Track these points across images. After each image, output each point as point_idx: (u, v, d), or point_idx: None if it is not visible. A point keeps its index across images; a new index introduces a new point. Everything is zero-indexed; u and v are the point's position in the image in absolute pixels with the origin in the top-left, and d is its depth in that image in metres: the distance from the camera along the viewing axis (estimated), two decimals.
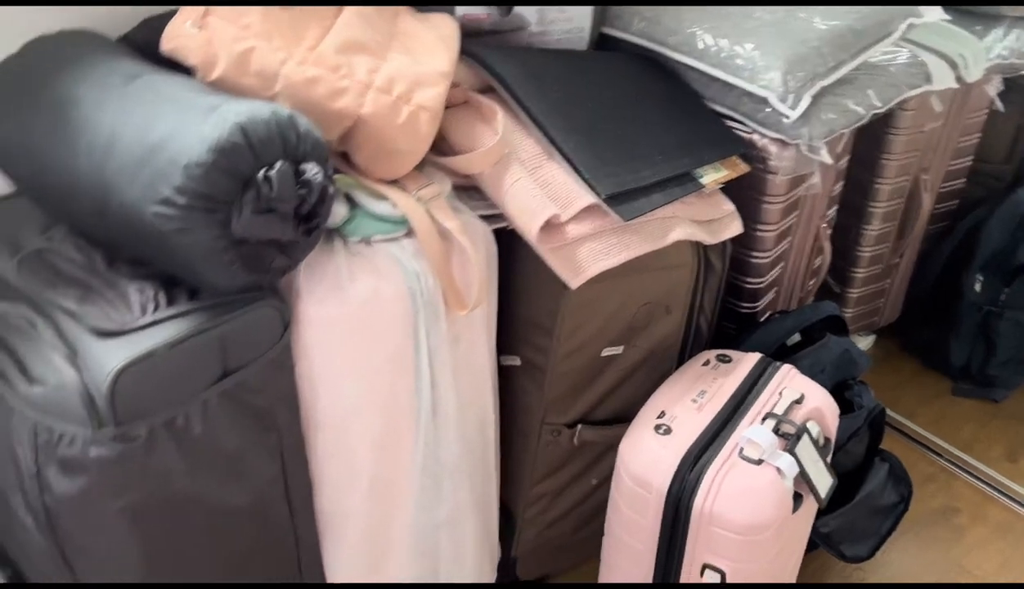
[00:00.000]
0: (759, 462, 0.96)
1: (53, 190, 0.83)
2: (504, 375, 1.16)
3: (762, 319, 1.39)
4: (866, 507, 1.28)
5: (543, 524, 1.26)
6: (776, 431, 0.99)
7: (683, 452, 0.98)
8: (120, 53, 0.88)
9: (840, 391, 1.27)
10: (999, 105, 1.56)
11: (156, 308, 0.81)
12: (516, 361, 1.16)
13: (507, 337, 1.14)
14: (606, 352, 1.14)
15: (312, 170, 0.77)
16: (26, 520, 0.85)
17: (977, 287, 1.68)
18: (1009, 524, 1.48)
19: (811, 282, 1.53)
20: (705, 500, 0.94)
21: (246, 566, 0.94)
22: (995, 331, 1.69)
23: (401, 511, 1.03)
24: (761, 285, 1.35)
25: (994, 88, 1.56)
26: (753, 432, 0.97)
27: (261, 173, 0.75)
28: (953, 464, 1.59)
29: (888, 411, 1.69)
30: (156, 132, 0.75)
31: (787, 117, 1.13)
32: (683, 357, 1.23)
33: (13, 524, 0.88)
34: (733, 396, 1.05)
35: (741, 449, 0.97)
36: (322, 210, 0.80)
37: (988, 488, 1.54)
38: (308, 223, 0.80)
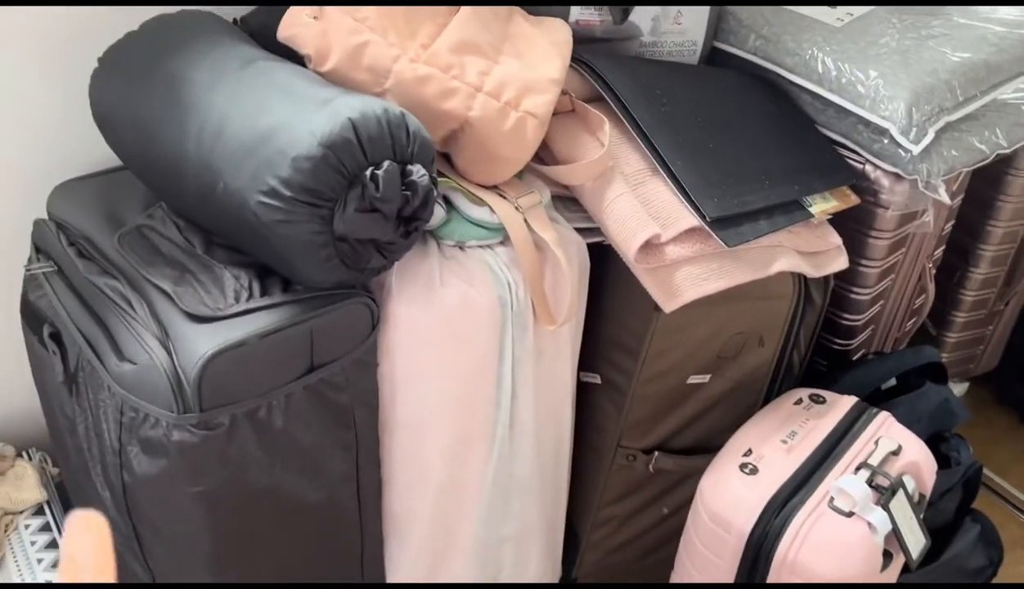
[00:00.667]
0: (850, 514, 0.91)
1: (159, 169, 0.83)
2: (582, 392, 1.13)
3: (856, 358, 1.32)
4: (952, 568, 1.21)
5: (608, 549, 1.23)
6: (870, 483, 0.94)
7: (769, 495, 0.93)
8: (236, 37, 0.88)
9: (935, 442, 1.20)
10: None
11: (250, 296, 0.80)
12: (596, 379, 1.13)
13: (589, 353, 1.11)
14: (692, 380, 1.09)
15: (418, 172, 0.75)
16: (104, 494, 0.85)
17: None
18: None
19: (910, 323, 1.45)
20: (789, 549, 0.90)
21: (311, 557, 0.93)
22: None
23: (467, 521, 1.01)
24: (858, 322, 1.29)
25: None
26: (846, 482, 0.92)
27: (368, 172, 0.73)
28: None
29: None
30: (267, 120, 0.75)
31: (909, 151, 1.07)
32: (771, 392, 1.18)
33: (91, 495, 0.89)
34: (826, 440, 1.00)
35: (832, 498, 0.92)
36: (424, 213, 0.78)
37: None
38: (408, 225, 0.79)
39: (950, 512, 1.22)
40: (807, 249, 1.08)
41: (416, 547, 1.02)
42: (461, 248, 0.91)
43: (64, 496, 1.07)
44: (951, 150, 1.12)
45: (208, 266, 0.84)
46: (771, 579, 0.92)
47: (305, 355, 0.81)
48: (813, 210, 1.08)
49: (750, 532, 0.92)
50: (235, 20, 0.99)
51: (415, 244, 0.88)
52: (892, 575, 0.97)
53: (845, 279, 1.23)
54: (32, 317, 0.92)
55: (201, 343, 0.76)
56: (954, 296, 1.56)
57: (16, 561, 0.97)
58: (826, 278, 1.13)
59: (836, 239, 1.11)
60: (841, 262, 1.10)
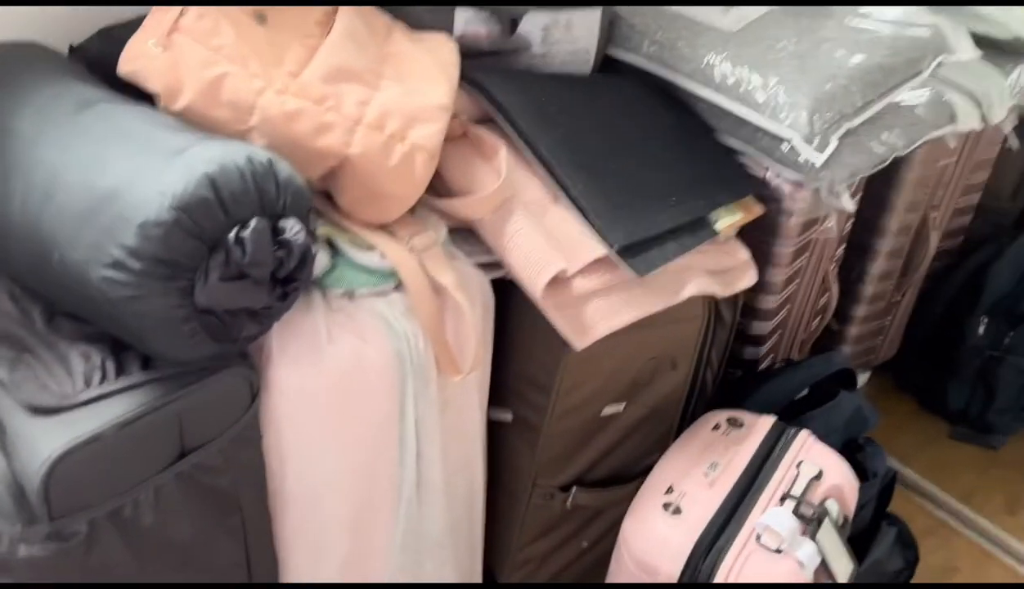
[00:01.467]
0: (778, 551, 0.87)
1: None
2: (493, 430, 1.06)
3: (765, 366, 1.30)
4: (873, 574, 1.20)
5: None
6: (795, 512, 0.90)
7: (696, 536, 0.88)
8: (71, 73, 0.76)
9: (850, 450, 1.18)
10: (1014, 142, 1.48)
11: (103, 379, 0.69)
12: (508, 416, 1.06)
13: (498, 390, 1.04)
14: (607, 410, 1.04)
15: (293, 228, 0.66)
16: None
17: (980, 330, 1.62)
18: (1011, 582, 1.41)
19: (815, 321, 1.45)
20: None
21: None
22: (996, 376, 1.62)
23: None
24: (766, 329, 1.27)
25: (1009, 123, 1.48)
26: (772, 517, 0.88)
27: (232, 234, 0.63)
28: (953, 515, 1.52)
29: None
30: (107, 178, 0.64)
31: (813, 162, 1.04)
32: (686, 413, 1.14)
33: None
34: (747, 469, 0.96)
35: (759, 535, 0.88)
36: (302, 274, 0.69)
37: (988, 544, 1.47)
38: (286, 286, 0.69)
39: (866, 519, 1.21)
40: (716, 267, 1.03)
41: None
42: (350, 297, 0.82)
43: None
44: (852, 156, 1.09)
45: (51, 343, 0.72)
46: None
47: (174, 440, 0.71)
48: (719, 226, 1.04)
49: (679, 576, 0.87)
50: (71, 47, 0.86)
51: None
52: None
53: (752, 288, 1.20)
54: None
55: (45, 442, 0.64)
56: (854, 291, 1.56)
57: None
58: (735, 295, 1.09)
59: (744, 254, 1.07)
60: (750, 277, 1.07)
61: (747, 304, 1.22)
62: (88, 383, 0.68)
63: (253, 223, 0.64)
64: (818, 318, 1.45)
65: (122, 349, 0.72)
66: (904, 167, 1.41)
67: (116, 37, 0.80)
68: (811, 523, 0.90)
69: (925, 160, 1.42)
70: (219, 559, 0.78)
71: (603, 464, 1.09)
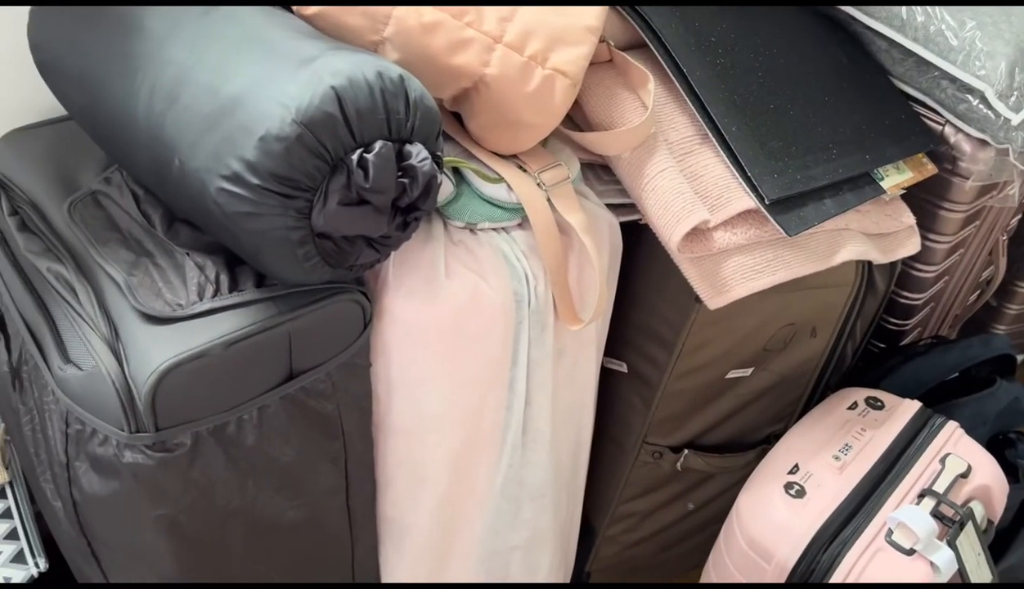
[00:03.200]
0: (911, 552, 0.79)
1: (108, 132, 0.69)
2: (605, 379, 1.01)
3: (909, 341, 1.18)
4: (1008, 579, 1.10)
5: (626, 544, 1.12)
6: (935, 514, 0.81)
7: (819, 524, 0.81)
8: None
9: (998, 446, 1.07)
10: None
11: (216, 292, 0.67)
12: (622, 367, 1.00)
13: (615, 337, 0.98)
14: (732, 374, 0.96)
15: (419, 154, 0.61)
16: (55, 503, 0.74)
17: None
18: None
19: (973, 297, 1.31)
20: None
21: (295, 572, 0.83)
22: None
23: (471, 529, 0.90)
24: (919, 301, 1.14)
25: None
26: (907, 514, 0.80)
27: (356, 155, 0.59)
28: None
29: None
30: (233, 84, 0.60)
31: (1007, 119, 0.90)
32: (819, 384, 1.05)
33: (43, 498, 0.78)
34: (884, 456, 0.88)
35: (890, 531, 0.80)
36: (426, 204, 0.64)
37: None
38: (407, 215, 0.65)
39: (1007, 520, 1.10)
40: (875, 231, 0.93)
41: (414, 554, 0.91)
42: (472, 231, 0.77)
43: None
44: None
45: (169, 251, 0.70)
46: None
47: (283, 362, 0.68)
48: (885, 184, 0.93)
49: (794, 566, 0.81)
50: None
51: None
52: None
53: (910, 257, 1.08)
54: None
55: (156, 351, 0.63)
56: (1021, 265, 1.40)
57: None
58: (894, 263, 0.98)
59: (909, 218, 0.95)
60: (913, 245, 0.95)
61: (902, 271, 1.10)
62: (201, 295, 0.67)
63: (378, 147, 0.59)
64: (977, 293, 1.31)
65: (237, 263, 0.69)
66: None
67: None
68: (952, 525, 0.81)
69: None
70: (319, 483, 0.77)
71: (720, 429, 1.02)
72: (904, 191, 0.96)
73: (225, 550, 0.74)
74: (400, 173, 0.61)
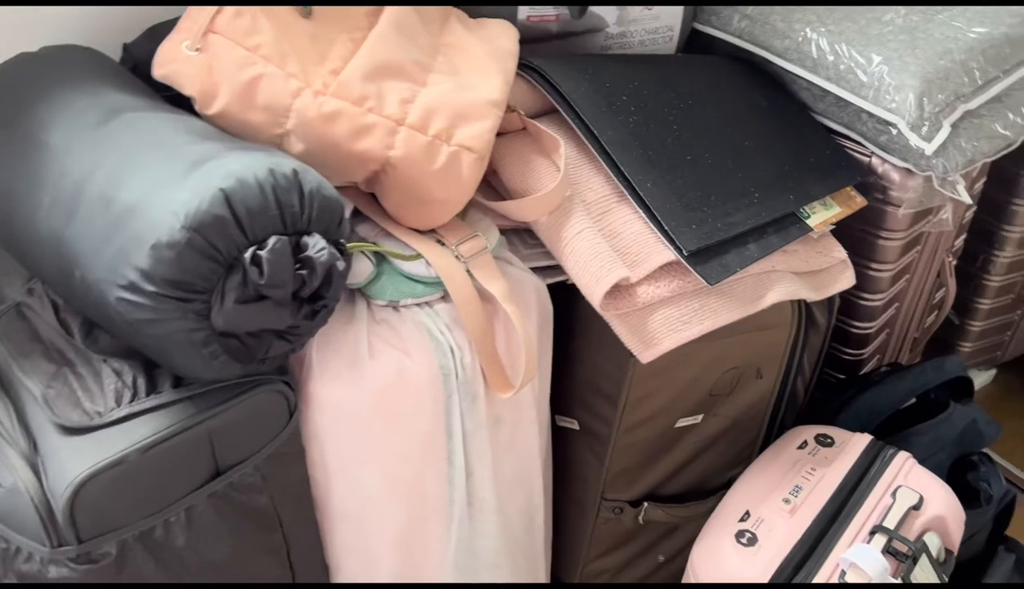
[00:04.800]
0: None
1: (19, 247, 0.70)
2: (560, 437, 1.01)
3: (869, 369, 1.18)
4: None
5: None
6: (888, 550, 0.80)
7: (771, 571, 0.80)
8: (111, 78, 0.74)
9: (961, 469, 1.06)
10: None
11: (134, 396, 0.67)
12: (574, 425, 1.00)
13: (564, 396, 0.98)
14: (681, 422, 0.96)
15: (316, 246, 0.61)
16: None
17: None
18: None
19: (930, 317, 1.31)
20: None
21: None
22: None
23: None
24: (871, 330, 1.15)
25: None
26: (859, 554, 0.79)
27: (249, 253, 0.59)
28: None
29: (1004, 461, 1.46)
30: (126, 193, 0.61)
31: (920, 150, 0.92)
32: (774, 423, 1.04)
33: None
34: (835, 495, 0.87)
35: (843, 572, 0.79)
36: (329, 292, 0.64)
37: None
38: (313, 304, 0.65)
39: (980, 543, 1.09)
40: (806, 269, 0.93)
41: None
42: (395, 308, 0.77)
43: None
44: (971, 140, 0.96)
45: (88, 359, 0.70)
46: None
47: (207, 460, 0.68)
48: (812, 222, 0.94)
49: None
50: (124, 46, 0.85)
51: (337, 308, 0.75)
52: None
53: (855, 286, 1.09)
54: None
55: (73, 462, 0.63)
56: (978, 282, 1.41)
57: None
58: (832, 297, 0.98)
59: (840, 253, 0.96)
60: (847, 279, 0.96)
61: (850, 302, 1.11)
62: (119, 401, 0.67)
63: (272, 242, 0.60)
64: (933, 314, 1.31)
65: (155, 366, 0.70)
66: None
67: (164, 35, 0.77)
68: (906, 560, 0.80)
69: None
70: (262, 578, 0.76)
71: (679, 478, 1.01)
72: (834, 226, 0.96)
73: None
74: (298, 265, 0.62)
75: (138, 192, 0.60)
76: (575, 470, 1.01)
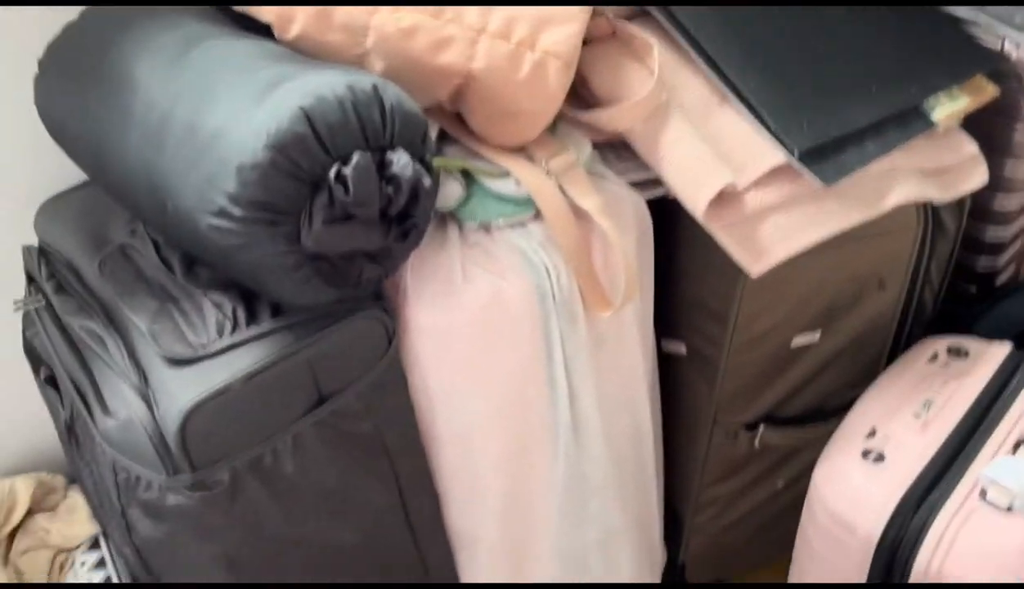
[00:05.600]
0: (1008, 509, 0.72)
1: (115, 185, 0.71)
2: (668, 363, 0.97)
3: (1005, 280, 1.09)
4: None
5: (716, 530, 1.07)
6: None
7: (903, 491, 0.75)
8: (186, 10, 0.73)
9: None
10: None
11: (235, 327, 0.68)
12: (682, 349, 0.96)
13: (670, 318, 0.94)
14: (797, 341, 0.91)
15: (400, 161, 0.59)
16: (124, 550, 0.77)
17: None
18: None
19: None
20: (933, 557, 0.72)
21: None
22: None
23: (540, 532, 0.88)
24: (1007, 235, 1.05)
25: None
26: (1000, 468, 0.73)
27: (334, 171, 0.58)
28: None
29: None
30: (211, 120, 0.61)
31: None
32: (900, 337, 0.97)
33: (118, 546, 0.81)
34: (972, 408, 0.80)
35: (983, 490, 0.73)
36: (417, 210, 0.63)
37: None
38: (403, 224, 0.63)
39: None
40: (932, 166, 0.85)
41: (488, 564, 0.90)
42: (487, 230, 0.75)
43: None
44: None
45: (190, 293, 0.71)
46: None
47: (309, 388, 0.68)
48: (936, 116, 0.85)
49: (880, 537, 0.75)
50: None
51: (430, 230, 0.73)
52: None
53: (989, 185, 0.99)
54: (32, 356, 0.84)
55: (181, 393, 0.64)
56: None
57: None
58: (961, 199, 0.90)
59: (970, 147, 0.87)
60: (979, 177, 0.88)
61: (982, 206, 1.01)
62: (220, 333, 0.67)
63: (355, 158, 0.58)
64: None
65: (254, 296, 0.70)
66: None
67: None
68: None
69: None
70: (371, 503, 0.77)
71: (796, 399, 0.96)
72: (962, 119, 0.88)
73: (288, 577, 0.75)
74: (384, 182, 0.60)
75: (221, 117, 0.60)
76: (685, 396, 0.98)
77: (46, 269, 0.80)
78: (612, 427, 0.84)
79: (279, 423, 0.68)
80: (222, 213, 0.58)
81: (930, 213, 0.88)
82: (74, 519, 0.99)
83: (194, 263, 0.74)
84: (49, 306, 0.80)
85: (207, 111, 0.61)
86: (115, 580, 0.94)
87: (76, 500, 1.00)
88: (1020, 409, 0.79)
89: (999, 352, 0.86)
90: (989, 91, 0.90)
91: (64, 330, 0.77)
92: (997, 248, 1.06)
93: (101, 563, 0.97)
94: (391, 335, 0.72)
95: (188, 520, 0.67)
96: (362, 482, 0.75)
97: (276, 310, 0.69)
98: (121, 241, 0.79)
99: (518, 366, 0.76)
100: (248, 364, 0.65)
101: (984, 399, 0.81)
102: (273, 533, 0.71)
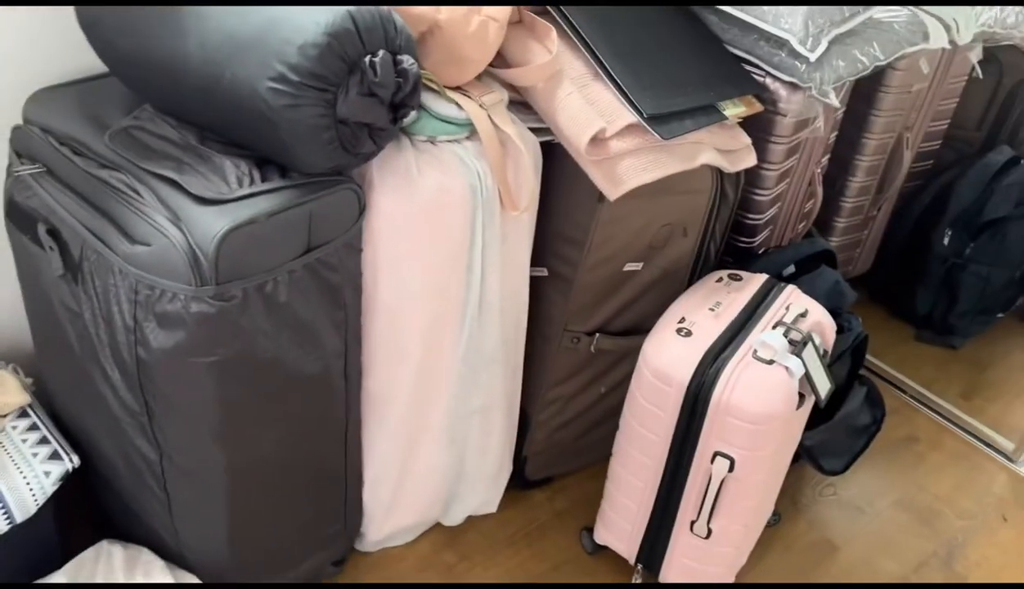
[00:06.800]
0: (771, 362, 1.07)
1: (156, 69, 0.88)
2: (531, 286, 1.26)
3: (766, 236, 1.50)
4: (844, 425, 1.42)
5: (553, 427, 1.36)
6: (785, 337, 1.11)
7: (703, 351, 1.08)
8: None
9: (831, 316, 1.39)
10: (979, 72, 1.69)
11: (251, 182, 0.88)
12: (543, 272, 1.25)
13: (537, 249, 1.23)
14: (627, 267, 1.24)
15: (408, 61, 0.85)
16: (112, 375, 0.91)
17: (945, 241, 1.83)
18: (962, 453, 1.64)
19: (800, 225, 1.65)
20: (723, 393, 1.06)
21: (304, 431, 1.02)
22: (958, 283, 1.84)
23: (440, 396, 1.12)
24: (760, 221, 1.46)
25: (976, 55, 1.69)
26: (767, 336, 1.09)
27: (367, 59, 0.82)
28: (915, 400, 1.74)
29: None
30: (270, 13, 0.82)
31: (807, 59, 1.23)
32: (692, 279, 1.34)
33: (92, 387, 0.94)
34: (746, 307, 1.16)
35: (755, 350, 1.09)
36: (413, 100, 0.88)
37: (945, 421, 1.70)
38: (398, 111, 0.88)
39: (842, 377, 1.42)
40: (723, 147, 1.23)
41: (394, 424, 1.12)
42: (433, 143, 1.00)
43: (43, 402, 1.11)
44: (838, 61, 1.29)
45: (206, 157, 0.90)
46: (707, 422, 1.08)
47: (304, 236, 0.89)
48: (727, 113, 1.23)
49: (688, 383, 1.08)
50: None
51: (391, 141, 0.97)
52: (805, 413, 1.15)
53: (748, 182, 1.40)
54: (22, 218, 0.96)
55: (214, 222, 0.83)
56: (836, 203, 1.77)
57: (12, 458, 1.01)
58: (738, 176, 1.29)
59: (746, 139, 1.27)
60: (751, 158, 1.26)
61: (744, 197, 1.41)
62: (240, 184, 0.87)
63: (381, 53, 0.82)
64: (803, 222, 1.65)
65: (263, 163, 0.90)
66: (882, 88, 1.62)
67: None
68: (798, 344, 1.10)
69: (901, 84, 1.63)
70: (327, 344, 0.97)
71: (623, 316, 1.29)
72: (740, 120, 1.27)
73: (257, 398, 0.93)
74: (396, 74, 0.84)
75: (282, 11, 0.81)
76: (543, 310, 1.27)
77: (55, 139, 0.94)
78: (504, 310, 1.11)
79: (281, 259, 0.88)
80: (282, 78, 0.80)
81: (719, 183, 1.25)
82: (5, 389, 1.08)
83: (205, 138, 0.92)
84: (50, 172, 0.94)
85: (265, 11, 0.82)
86: (49, 437, 1.05)
87: (4, 376, 1.09)
88: (776, 308, 1.17)
89: (761, 278, 1.24)
90: (757, 106, 1.30)
91: (71, 188, 0.91)
92: (753, 230, 1.47)
93: (32, 427, 1.07)
94: (362, 207, 0.95)
95: (203, 327, 0.85)
96: (325, 324, 0.96)
97: (282, 174, 0.90)
98: (124, 123, 0.95)
99: (450, 249, 1.01)
100: (268, 207, 0.85)
101: (754, 302, 1.18)
102: (261, 349, 0.90)
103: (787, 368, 1.07)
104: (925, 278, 1.88)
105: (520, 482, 1.42)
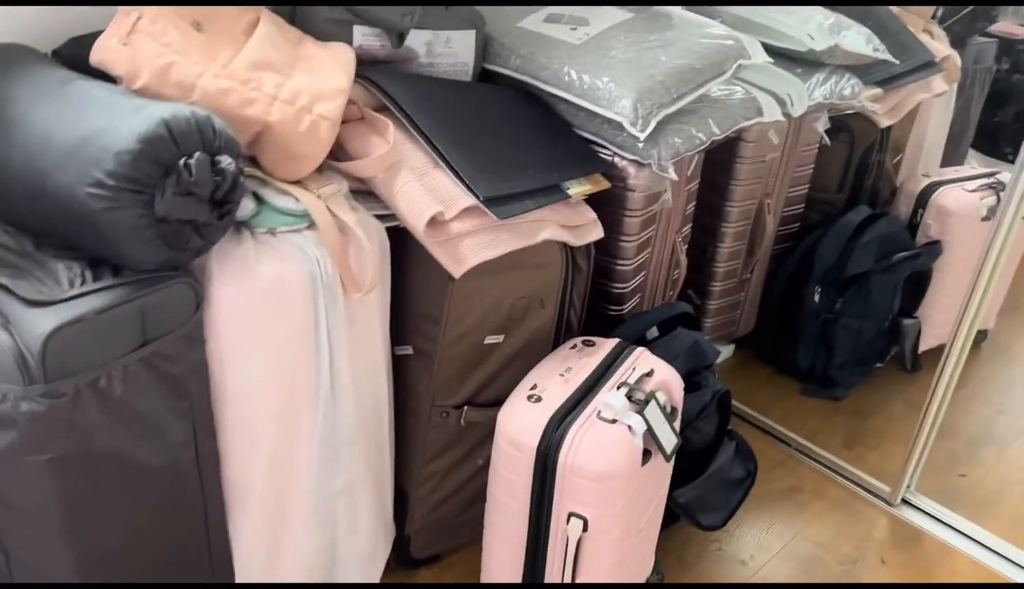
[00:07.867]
0: (613, 421, 1.13)
1: None
2: (399, 364, 1.30)
3: (635, 303, 1.57)
4: (717, 480, 1.47)
5: (433, 503, 1.39)
6: (629, 397, 1.16)
7: (550, 415, 1.13)
8: (52, 63, 1.00)
9: (693, 376, 1.46)
10: (826, 140, 1.82)
11: (83, 282, 0.92)
12: (408, 350, 1.30)
13: (400, 329, 1.28)
14: (488, 340, 1.29)
15: (226, 161, 0.91)
16: None
17: (816, 298, 1.93)
18: (843, 500, 1.69)
19: (670, 292, 1.73)
20: (568, 454, 1.10)
21: (158, 522, 1.03)
22: (832, 336, 1.93)
23: (301, 481, 1.14)
24: (626, 289, 1.54)
25: (822, 125, 1.82)
26: (609, 397, 1.14)
27: (182, 161, 0.88)
28: (799, 451, 1.80)
29: (744, 408, 1.90)
30: (89, 126, 0.88)
31: (638, 139, 1.33)
32: (556, 345, 1.40)
33: None
34: (595, 371, 1.22)
35: (599, 411, 1.14)
36: (234, 196, 0.93)
37: (827, 470, 1.76)
38: (222, 208, 0.93)
39: (710, 433, 1.48)
40: (568, 223, 1.31)
41: (256, 512, 1.14)
42: (273, 234, 1.06)
43: None
44: (675, 138, 1.39)
45: (41, 262, 0.94)
46: (557, 483, 1.12)
47: (137, 331, 0.93)
48: (571, 192, 1.32)
49: (537, 446, 1.12)
50: (53, 52, 1.10)
51: (230, 234, 1.03)
52: (654, 470, 1.20)
53: (610, 254, 1.48)
54: None
55: (42, 322, 0.87)
56: (709, 269, 1.86)
57: None
58: (589, 248, 1.36)
59: (591, 214, 1.35)
60: (597, 232, 1.34)
61: (608, 267, 1.49)
62: (72, 285, 0.91)
63: (197, 155, 0.88)
64: (672, 290, 1.74)
65: (96, 264, 0.94)
66: (737, 160, 1.74)
67: (83, 43, 1.04)
68: (640, 403, 1.16)
69: (754, 155, 1.75)
70: (172, 436, 1.00)
71: (490, 388, 1.34)
72: (586, 197, 1.35)
73: (101, 492, 0.95)
74: (214, 174, 0.90)
75: (99, 124, 0.87)
76: (411, 386, 1.31)
77: None
78: (359, 391, 1.15)
79: (114, 355, 0.91)
80: (99, 184, 0.85)
81: (570, 256, 1.33)
82: None
83: (41, 243, 0.96)
84: None
85: (88, 118, 0.88)
86: None
87: None
88: (623, 370, 1.23)
89: (612, 342, 1.30)
90: (603, 183, 1.39)
91: None
92: (620, 298, 1.54)
93: None
94: (199, 299, 0.99)
95: (36, 424, 0.87)
96: (168, 414, 0.99)
97: (115, 273, 0.94)
98: None
99: (293, 334, 1.06)
100: (96, 305, 0.89)
101: (602, 366, 1.24)
102: (98, 443, 0.92)
103: (629, 426, 1.12)
104: (802, 334, 1.97)
105: (406, 561, 1.43)
